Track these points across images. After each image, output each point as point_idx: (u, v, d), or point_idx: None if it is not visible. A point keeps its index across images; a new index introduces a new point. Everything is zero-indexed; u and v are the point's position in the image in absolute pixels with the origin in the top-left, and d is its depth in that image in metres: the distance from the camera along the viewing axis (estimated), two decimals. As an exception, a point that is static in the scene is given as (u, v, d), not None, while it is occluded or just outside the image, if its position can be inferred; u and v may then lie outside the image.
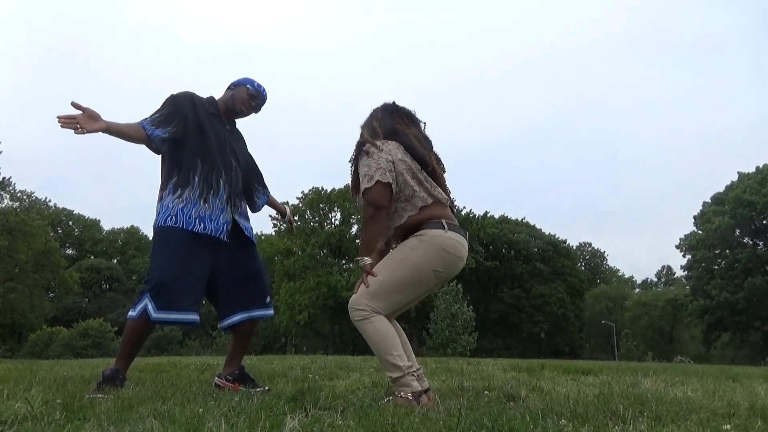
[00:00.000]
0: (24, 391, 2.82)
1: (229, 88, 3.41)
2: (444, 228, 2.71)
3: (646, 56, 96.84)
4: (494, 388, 3.40)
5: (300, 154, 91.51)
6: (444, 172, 2.94)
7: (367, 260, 2.71)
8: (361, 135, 2.87)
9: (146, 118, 3.08)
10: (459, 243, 2.74)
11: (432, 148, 2.94)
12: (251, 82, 3.41)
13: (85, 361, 8.88)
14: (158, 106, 3.16)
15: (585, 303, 51.61)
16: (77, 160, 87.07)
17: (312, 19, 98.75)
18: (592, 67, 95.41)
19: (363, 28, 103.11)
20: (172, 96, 3.21)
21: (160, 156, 3.21)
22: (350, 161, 2.86)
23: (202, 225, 3.04)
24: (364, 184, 2.69)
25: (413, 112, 3.00)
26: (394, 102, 3.00)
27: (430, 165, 2.81)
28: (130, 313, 2.95)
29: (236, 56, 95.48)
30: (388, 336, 2.62)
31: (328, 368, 5.26)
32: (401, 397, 2.54)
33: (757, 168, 40.92)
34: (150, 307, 2.88)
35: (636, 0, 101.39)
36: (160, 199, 3.11)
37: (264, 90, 3.42)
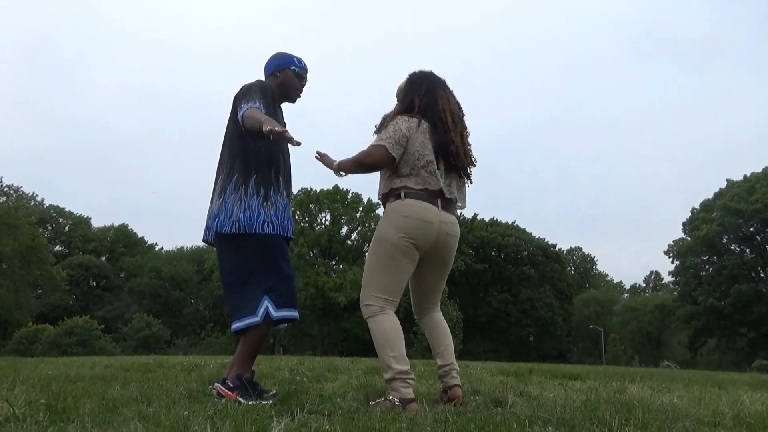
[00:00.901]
0: (7, 390, 2.79)
1: (272, 74, 3.12)
2: (401, 197, 2.81)
3: (637, 60, 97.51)
4: (482, 393, 3.40)
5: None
6: (466, 164, 2.96)
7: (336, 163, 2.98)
8: (402, 103, 2.98)
9: (258, 105, 2.81)
10: (417, 206, 2.79)
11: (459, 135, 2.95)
12: (292, 61, 3.14)
13: (71, 359, 8.82)
14: (251, 94, 2.87)
15: (573, 307, 51.80)
16: (68, 158, 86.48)
17: (302, 19, 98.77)
18: (582, 70, 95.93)
19: (353, 29, 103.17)
20: (262, 86, 2.97)
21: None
22: (384, 116, 3.03)
23: (291, 229, 3.00)
24: (375, 140, 2.85)
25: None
26: (443, 81, 3.04)
27: (448, 158, 2.88)
28: (246, 321, 2.81)
29: (224, 57, 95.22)
30: (387, 335, 2.69)
31: (317, 370, 5.24)
32: (388, 400, 2.58)
33: (745, 176, 41.27)
34: (271, 308, 2.82)
35: (623, 4, 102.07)
36: (239, 199, 2.85)
37: (305, 64, 3.18)
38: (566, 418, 2.27)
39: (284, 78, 3.12)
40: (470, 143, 3.03)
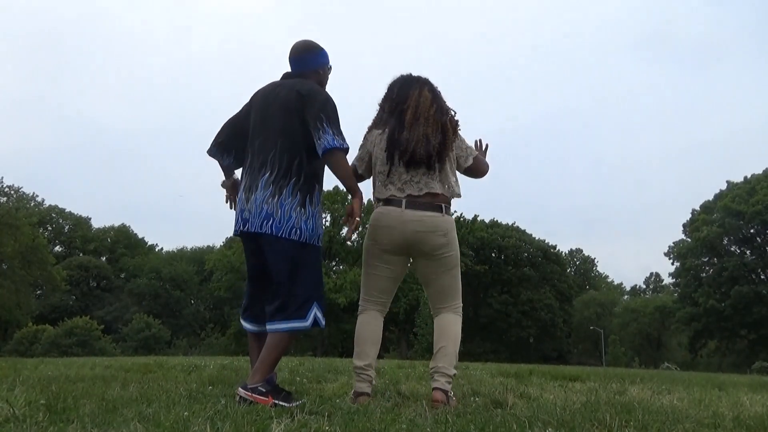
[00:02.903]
0: (7, 391, 2.79)
1: (314, 71, 3.02)
2: (376, 208, 3.02)
3: (638, 61, 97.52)
4: (482, 394, 3.40)
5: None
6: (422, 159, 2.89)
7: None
8: (377, 114, 3.13)
9: (342, 141, 2.77)
10: (384, 214, 2.95)
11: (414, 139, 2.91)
12: (327, 56, 3.08)
13: (71, 360, 8.82)
14: (336, 121, 2.81)
15: (574, 309, 51.76)
16: (68, 158, 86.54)
17: (302, 19, 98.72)
18: (582, 72, 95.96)
19: (350, 29, 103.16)
20: (333, 101, 2.89)
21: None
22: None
23: None
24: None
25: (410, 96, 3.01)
26: (421, 80, 3.05)
27: (396, 160, 2.94)
28: (293, 324, 2.75)
29: (224, 58, 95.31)
30: (357, 332, 3.00)
31: (317, 371, 5.24)
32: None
33: (746, 178, 41.27)
34: (319, 315, 2.81)
35: (625, 6, 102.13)
36: (301, 206, 2.80)
37: None
38: (566, 420, 2.27)
39: (323, 77, 3.05)
40: (442, 132, 2.94)
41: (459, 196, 3.04)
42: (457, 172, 3.11)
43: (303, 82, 2.93)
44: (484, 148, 3.35)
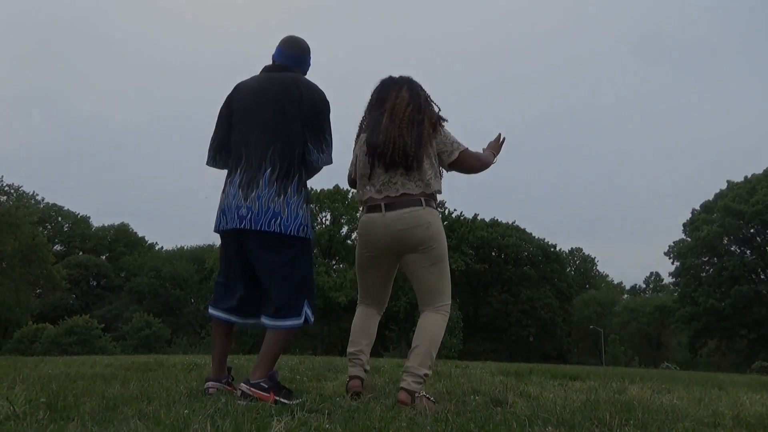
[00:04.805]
0: (7, 389, 2.79)
1: (303, 72, 3.09)
2: (362, 214, 3.07)
3: (639, 62, 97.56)
4: (482, 392, 3.40)
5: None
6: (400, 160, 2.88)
7: None
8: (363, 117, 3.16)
9: (331, 157, 2.98)
10: (368, 222, 2.98)
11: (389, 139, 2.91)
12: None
13: (71, 359, 8.81)
14: (329, 125, 2.95)
15: (574, 308, 51.78)
16: (68, 156, 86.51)
17: (303, 19, 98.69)
18: (583, 71, 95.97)
19: (348, 29, 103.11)
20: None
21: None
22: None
23: None
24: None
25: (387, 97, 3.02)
26: (401, 81, 3.06)
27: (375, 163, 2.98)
28: (294, 321, 2.78)
29: (224, 57, 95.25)
30: (352, 325, 3.16)
31: (317, 369, 5.23)
32: None
33: (746, 177, 41.29)
34: (309, 312, 2.83)
35: (625, 7, 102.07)
36: (305, 203, 2.88)
37: None
38: (566, 418, 2.28)
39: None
40: (419, 131, 2.90)
41: (438, 192, 3.00)
42: (442, 169, 3.05)
43: (305, 81, 2.94)
44: (501, 141, 3.31)
